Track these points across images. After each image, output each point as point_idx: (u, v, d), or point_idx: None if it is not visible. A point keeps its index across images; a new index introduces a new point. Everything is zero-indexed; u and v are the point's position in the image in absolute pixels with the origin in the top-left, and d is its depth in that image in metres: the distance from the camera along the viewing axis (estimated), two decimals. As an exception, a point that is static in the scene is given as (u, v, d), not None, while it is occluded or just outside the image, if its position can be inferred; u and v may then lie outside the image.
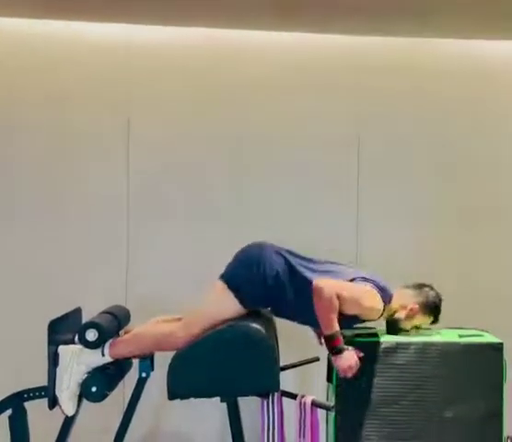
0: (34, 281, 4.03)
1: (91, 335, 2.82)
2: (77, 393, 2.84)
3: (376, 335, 2.97)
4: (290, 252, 3.01)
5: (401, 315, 3.03)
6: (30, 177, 4.08)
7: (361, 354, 2.82)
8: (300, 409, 2.85)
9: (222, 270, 2.99)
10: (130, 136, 4.11)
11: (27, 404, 2.92)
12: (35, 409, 2.95)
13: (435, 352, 2.91)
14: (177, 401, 2.82)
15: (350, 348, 2.80)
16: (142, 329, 3.04)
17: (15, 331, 3.96)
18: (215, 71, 4.14)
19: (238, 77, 4.16)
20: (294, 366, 3.22)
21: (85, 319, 3.04)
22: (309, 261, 3.02)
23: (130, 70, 4.11)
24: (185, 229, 4.13)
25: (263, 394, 2.82)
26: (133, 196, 4.12)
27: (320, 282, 2.81)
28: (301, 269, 2.94)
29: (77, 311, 3.15)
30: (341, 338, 2.79)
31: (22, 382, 2.95)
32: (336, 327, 2.78)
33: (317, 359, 3.24)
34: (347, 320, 2.86)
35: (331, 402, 2.90)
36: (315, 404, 2.82)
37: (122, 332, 3.11)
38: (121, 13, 3.87)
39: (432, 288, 3.10)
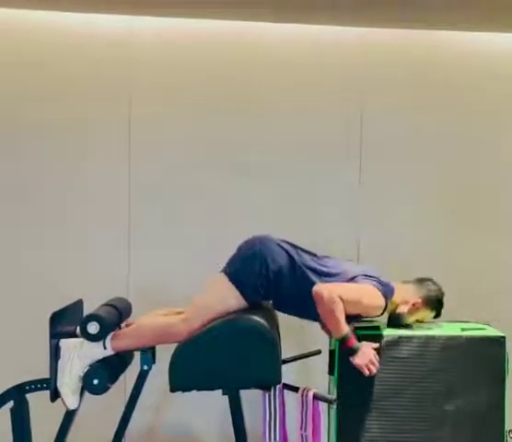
0: (36, 273, 4.03)
1: (93, 328, 2.82)
2: (79, 386, 2.84)
3: (378, 328, 2.96)
4: (292, 245, 3.00)
5: (403, 310, 3.02)
6: (31, 169, 4.06)
7: (376, 345, 2.82)
8: (302, 402, 2.84)
9: (224, 263, 2.99)
10: (131, 126, 4.10)
11: (29, 396, 2.93)
12: (37, 401, 2.95)
13: (437, 345, 2.91)
14: (178, 394, 2.82)
15: (363, 343, 2.80)
16: (144, 322, 3.04)
17: (16, 323, 3.96)
18: (217, 62, 4.12)
19: (240, 69, 4.14)
20: (295, 358, 3.22)
21: (86, 311, 3.04)
22: (311, 255, 3.01)
23: (131, 62, 4.09)
24: (187, 222, 4.12)
25: (265, 387, 2.83)
26: (135, 188, 4.11)
27: (319, 288, 2.79)
28: (303, 268, 2.93)
29: (79, 303, 3.14)
30: (353, 338, 2.79)
31: (24, 374, 2.95)
32: (345, 329, 2.77)
33: (318, 352, 3.24)
34: (350, 319, 2.85)
35: (333, 395, 2.90)
36: (317, 397, 2.82)
37: (123, 325, 3.10)
38: (122, 4, 3.85)
39: (434, 282, 3.10)
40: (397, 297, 3.02)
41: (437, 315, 3.09)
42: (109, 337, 2.87)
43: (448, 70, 4.23)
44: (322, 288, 2.79)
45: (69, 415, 2.91)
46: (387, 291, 2.94)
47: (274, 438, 2.82)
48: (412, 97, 4.20)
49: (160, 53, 4.11)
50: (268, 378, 2.81)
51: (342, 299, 2.76)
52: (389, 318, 3.06)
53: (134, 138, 4.10)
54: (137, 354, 2.98)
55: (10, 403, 2.91)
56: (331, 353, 2.97)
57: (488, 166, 4.27)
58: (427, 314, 3.07)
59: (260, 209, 4.09)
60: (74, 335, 2.89)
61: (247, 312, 2.86)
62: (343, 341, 2.78)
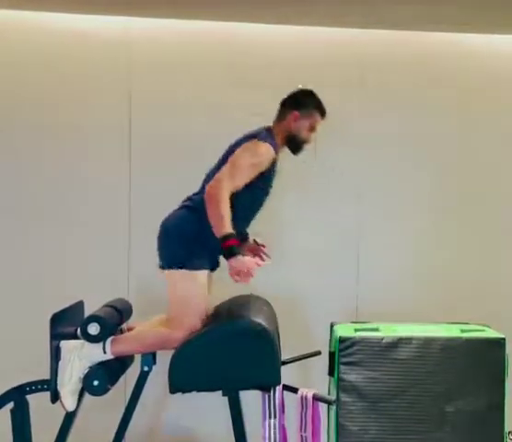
0: (36, 274, 4.03)
1: (93, 329, 2.82)
2: (79, 388, 2.85)
3: (377, 330, 2.96)
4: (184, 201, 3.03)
5: (294, 130, 3.04)
6: (32, 170, 4.07)
7: (261, 263, 2.83)
8: (302, 403, 2.85)
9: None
10: (131, 127, 4.10)
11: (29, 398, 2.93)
12: (37, 403, 2.95)
13: (436, 347, 2.91)
14: (178, 395, 2.83)
15: (249, 257, 2.82)
16: (144, 328, 3.03)
17: (17, 324, 3.96)
18: (214, 63, 4.13)
19: (239, 69, 4.14)
20: (295, 359, 3.21)
21: (87, 312, 3.04)
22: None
23: (130, 64, 4.09)
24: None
25: (265, 388, 2.83)
26: (135, 189, 4.11)
27: (206, 192, 2.81)
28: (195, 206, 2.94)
29: (80, 305, 3.15)
30: (235, 240, 2.76)
31: (24, 376, 2.95)
32: (228, 228, 2.74)
33: (318, 353, 3.23)
34: (258, 182, 2.88)
35: (333, 396, 2.91)
36: (316, 398, 2.82)
37: (124, 326, 3.11)
38: (121, 5, 3.86)
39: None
40: (280, 131, 3.04)
41: (319, 106, 3.08)
42: (108, 341, 2.87)
43: (449, 71, 4.23)
44: (208, 189, 2.80)
45: (69, 416, 2.92)
46: (264, 135, 2.95)
47: (274, 439, 2.81)
48: (412, 97, 4.21)
49: (159, 54, 4.11)
50: (268, 379, 2.81)
51: (232, 179, 2.79)
52: (292, 150, 3.09)
53: (135, 139, 4.10)
54: (138, 356, 2.99)
55: (10, 404, 2.92)
56: (331, 354, 2.98)
57: (488, 166, 4.27)
58: (310, 115, 3.06)
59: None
60: (75, 336, 2.90)
61: (246, 313, 2.87)
62: (223, 239, 2.73)
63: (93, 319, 2.85)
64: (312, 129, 3.09)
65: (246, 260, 2.77)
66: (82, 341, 2.85)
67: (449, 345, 2.92)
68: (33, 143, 4.07)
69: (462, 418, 2.89)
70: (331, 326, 3.12)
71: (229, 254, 2.74)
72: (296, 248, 4.04)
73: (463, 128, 4.25)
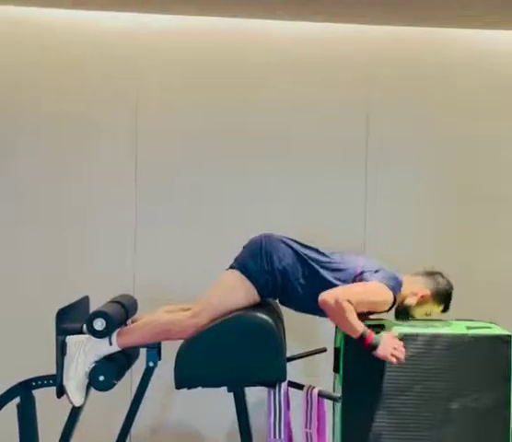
0: (42, 269, 4.05)
1: (99, 324, 2.83)
2: (85, 383, 2.85)
3: (383, 327, 2.96)
4: (296, 242, 3.01)
5: (411, 302, 3.01)
6: (37, 167, 4.08)
7: (395, 333, 2.83)
8: (307, 399, 2.84)
9: (230, 258, 2.99)
10: (137, 125, 4.10)
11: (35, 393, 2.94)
12: (43, 398, 2.96)
13: (442, 343, 2.90)
14: (184, 391, 2.83)
15: (383, 334, 2.80)
16: (150, 318, 3.03)
17: (23, 320, 3.98)
18: (221, 59, 4.12)
19: (245, 65, 4.14)
20: (301, 356, 3.22)
21: (92, 307, 3.05)
22: (314, 250, 3.01)
23: (137, 60, 4.10)
24: (193, 218, 4.12)
25: (270, 384, 2.82)
26: (141, 185, 4.12)
27: (325, 297, 2.79)
28: (313, 264, 2.94)
29: (85, 300, 3.16)
30: (371, 333, 2.78)
31: (30, 371, 2.96)
32: (360, 327, 2.76)
33: (324, 350, 3.24)
34: (358, 316, 2.85)
35: (338, 393, 2.90)
36: (322, 395, 2.82)
37: (129, 322, 3.11)
38: (128, 1, 3.86)
39: (443, 276, 3.09)
40: (405, 289, 3.01)
41: (446, 309, 3.07)
42: (115, 333, 2.87)
43: (454, 71, 4.22)
44: (328, 297, 2.78)
45: (75, 412, 2.92)
46: (395, 285, 2.93)
47: (279, 436, 2.81)
48: (416, 95, 4.20)
49: (167, 51, 4.11)
50: (273, 376, 2.80)
51: (350, 302, 2.76)
52: (397, 310, 3.03)
53: (141, 139, 4.11)
54: (143, 351, 2.99)
55: (17, 399, 2.92)
56: (337, 350, 2.97)
57: (488, 166, 4.25)
58: (435, 307, 3.06)
59: (264, 210, 4.08)
60: (80, 332, 2.90)
61: (252, 309, 2.87)
62: (361, 340, 2.77)
63: (98, 314, 2.85)
64: (427, 313, 3.07)
65: (386, 342, 2.78)
66: (88, 336, 2.85)
67: (455, 342, 2.91)
68: (39, 140, 4.08)
69: (468, 415, 2.89)
70: (337, 323, 3.11)
71: (373, 349, 2.76)
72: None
73: (464, 126, 4.24)
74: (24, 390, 2.91)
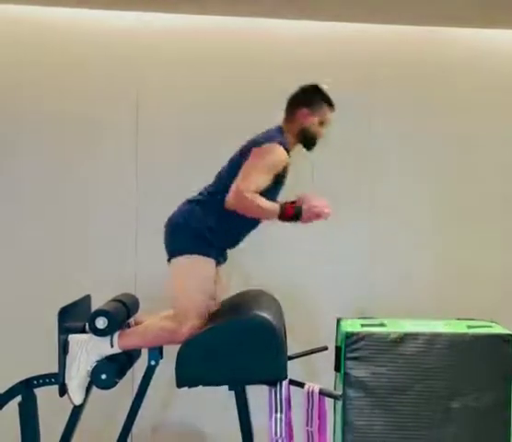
0: (44, 268, 4.05)
1: (101, 323, 2.84)
2: (86, 382, 2.86)
3: (384, 325, 2.96)
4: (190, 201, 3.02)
5: (307, 125, 3.01)
6: (39, 166, 4.08)
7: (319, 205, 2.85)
8: (308, 398, 2.85)
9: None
10: (139, 124, 4.11)
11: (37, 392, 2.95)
12: (44, 397, 2.97)
13: (443, 343, 2.90)
14: (185, 389, 2.84)
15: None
16: (151, 322, 3.03)
17: (25, 318, 3.98)
18: (223, 58, 4.13)
19: (246, 64, 4.14)
20: (302, 354, 3.22)
21: (94, 306, 3.05)
22: (206, 188, 3.03)
23: (139, 59, 4.10)
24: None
25: (271, 383, 2.83)
26: (142, 183, 4.12)
27: (226, 200, 2.82)
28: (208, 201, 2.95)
29: (87, 299, 3.16)
30: (288, 206, 2.82)
31: (32, 369, 2.96)
32: (275, 207, 2.80)
33: (325, 348, 3.23)
34: (272, 186, 2.87)
35: (339, 391, 2.91)
36: (323, 393, 2.83)
37: (132, 321, 3.12)
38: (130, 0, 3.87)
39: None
40: (290, 128, 3.02)
41: (329, 102, 3.05)
42: (116, 335, 2.89)
43: (456, 72, 4.23)
44: (229, 199, 2.82)
45: (76, 410, 2.93)
46: (273, 135, 2.94)
47: (280, 434, 2.82)
48: (415, 95, 4.21)
49: (169, 50, 4.12)
50: (274, 374, 2.81)
51: (251, 189, 2.76)
52: (304, 145, 3.06)
53: (142, 138, 4.11)
54: (145, 350, 3.00)
55: (18, 398, 2.93)
56: (338, 349, 2.98)
57: (489, 165, 4.26)
58: (320, 110, 3.04)
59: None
60: (82, 330, 2.91)
61: (253, 308, 2.87)
62: (281, 217, 2.79)
63: (100, 313, 2.86)
64: (323, 123, 3.06)
65: (308, 207, 2.81)
66: (90, 335, 2.86)
67: (456, 341, 2.91)
68: (40, 139, 4.09)
69: (469, 415, 2.88)
70: (338, 321, 3.12)
71: (296, 218, 2.80)
72: (303, 243, 4.04)
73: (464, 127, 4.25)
74: (25, 389, 2.92)
